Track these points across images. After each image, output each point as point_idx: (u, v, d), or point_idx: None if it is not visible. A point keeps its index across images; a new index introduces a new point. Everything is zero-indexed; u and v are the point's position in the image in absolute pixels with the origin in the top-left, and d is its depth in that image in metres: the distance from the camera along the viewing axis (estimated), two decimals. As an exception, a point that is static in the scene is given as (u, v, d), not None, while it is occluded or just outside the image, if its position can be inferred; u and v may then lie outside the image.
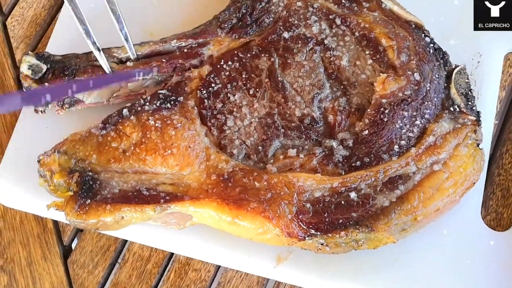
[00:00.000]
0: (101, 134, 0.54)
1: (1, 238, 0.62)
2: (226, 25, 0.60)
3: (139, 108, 0.55)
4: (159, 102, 0.55)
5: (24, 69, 0.58)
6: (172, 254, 0.61)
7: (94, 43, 0.57)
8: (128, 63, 0.59)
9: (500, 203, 0.60)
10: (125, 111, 0.55)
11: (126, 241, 0.62)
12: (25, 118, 0.62)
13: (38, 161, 0.54)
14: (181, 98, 0.55)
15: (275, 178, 0.52)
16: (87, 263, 0.61)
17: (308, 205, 0.51)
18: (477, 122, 0.56)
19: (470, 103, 0.56)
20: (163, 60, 0.58)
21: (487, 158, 0.59)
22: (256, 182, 0.52)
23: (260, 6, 0.60)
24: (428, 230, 0.55)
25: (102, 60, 0.58)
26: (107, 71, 0.58)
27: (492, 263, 0.55)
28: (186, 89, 0.56)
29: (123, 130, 0.54)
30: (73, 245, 0.63)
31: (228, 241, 0.57)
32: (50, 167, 0.53)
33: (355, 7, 0.59)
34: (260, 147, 0.55)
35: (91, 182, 0.52)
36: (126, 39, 0.58)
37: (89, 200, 0.51)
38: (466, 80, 0.57)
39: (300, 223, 0.51)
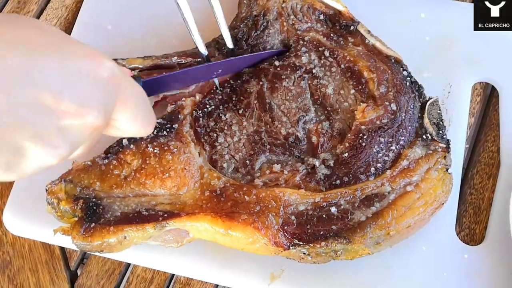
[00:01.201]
0: (103, 163, 0.57)
1: (11, 265, 0.64)
2: (223, 48, 0.64)
3: (138, 138, 0.58)
4: (156, 130, 0.58)
5: None
6: (173, 275, 0.63)
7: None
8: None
9: (472, 219, 0.63)
10: (124, 141, 0.58)
11: (130, 264, 0.64)
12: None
13: (46, 190, 0.56)
14: (176, 125, 0.59)
15: (263, 193, 0.55)
16: (93, 286, 0.63)
17: (293, 217, 0.54)
18: (447, 149, 0.59)
19: (441, 132, 0.60)
20: (164, 73, 0.61)
21: (459, 179, 0.63)
22: (246, 196, 0.55)
23: (256, 34, 0.64)
24: (408, 247, 0.59)
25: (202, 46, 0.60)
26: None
27: (467, 275, 0.58)
28: (179, 116, 0.60)
29: (124, 158, 0.57)
30: (80, 270, 0.65)
31: (225, 262, 0.60)
32: (57, 195, 0.56)
33: (342, 41, 0.64)
34: (247, 161, 0.58)
35: (94, 207, 0.55)
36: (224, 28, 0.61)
37: (93, 224, 0.54)
38: (438, 111, 0.61)
39: (285, 233, 0.54)
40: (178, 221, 0.54)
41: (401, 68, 0.63)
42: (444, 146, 0.59)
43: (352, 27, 0.64)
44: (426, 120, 0.60)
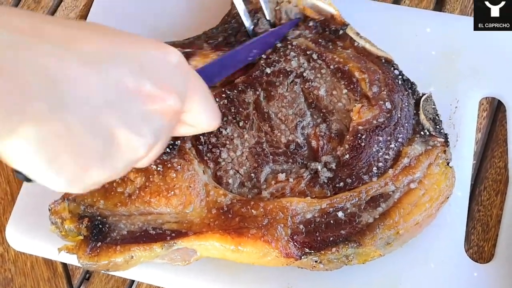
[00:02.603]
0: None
1: (13, 283, 0.63)
2: (212, 41, 0.64)
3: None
4: None
5: None
6: None
7: None
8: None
9: (481, 237, 0.61)
10: None
11: (134, 281, 0.63)
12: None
13: (49, 210, 0.55)
14: (178, 142, 0.57)
15: (271, 205, 0.54)
16: (96, 304, 0.62)
17: (301, 226, 0.53)
18: (446, 143, 0.58)
19: (438, 126, 0.59)
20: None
21: (467, 196, 0.61)
22: (253, 210, 0.54)
23: (244, 29, 0.65)
24: (417, 264, 0.58)
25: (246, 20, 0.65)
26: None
27: None
28: None
29: (127, 176, 0.56)
30: None
31: (229, 279, 0.59)
32: (61, 214, 0.55)
33: (330, 46, 0.63)
34: (252, 174, 0.57)
35: (100, 226, 0.54)
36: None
37: (99, 243, 0.53)
38: (433, 106, 0.60)
39: (295, 243, 0.53)
40: (186, 241, 0.53)
41: (392, 68, 0.62)
42: (443, 140, 0.58)
43: (341, 31, 0.64)
44: (422, 116, 0.59)
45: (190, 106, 0.44)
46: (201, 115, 0.46)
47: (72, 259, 0.55)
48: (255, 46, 0.63)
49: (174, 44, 0.63)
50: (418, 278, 0.58)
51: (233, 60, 0.61)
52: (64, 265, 0.65)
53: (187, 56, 0.62)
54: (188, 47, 0.63)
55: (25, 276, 0.64)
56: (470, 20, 0.71)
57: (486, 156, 0.66)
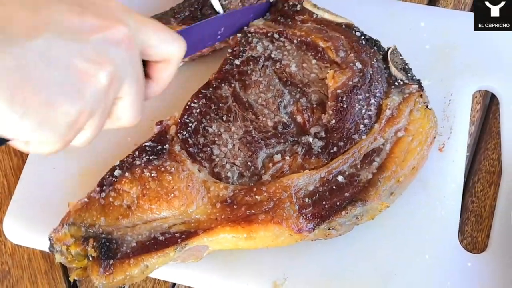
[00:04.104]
0: (101, 197, 0.54)
1: (10, 276, 0.62)
2: (179, 16, 0.65)
3: (130, 165, 0.55)
4: (147, 154, 0.56)
5: None
6: (174, 284, 0.61)
7: None
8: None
9: (474, 228, 0.61)
10: (117, 171, 0.55)
11: None
12: (33, 161, 0.64)
13: (50, 239, 0.53)
14: (167, 145, 0.56)
15: (273, 187, 0.54)
16: (93, 296, 0.60)
17: (307, 199, 0.53)
18: (420, 88, 0.59)
19: (409, 74, 0.60)
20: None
21: (461, 187, 0.61)
22: (257, 196, 0.53)
23: (209, 2, 0.65)
24: (412, 255, 0.57)
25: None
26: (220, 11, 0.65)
27: (470, 282, 0.57)
28: (168, 136, 0.57)
29: (121, 188, 0.54)
30: (79, 281, 0.62)
31: (227, 271, 0.58)
32: (64, 241, 0.53)
33: (290, 22, 0.64)
34: (249, 163, 0.57)
35: (107, 243, 0.52)
36: None
37: (111, 260, 0.51)
38: (400, 57, 0.61)
39: (305, 217, 0.53)
40: (197, 240, 0.52)
41: (353, 31, 0.63)
42: (417, 86, 0.59)
43: (298, 6, 0.65)
44: (392, 68, 0.61)
45: (147, 37, 0.43)
46: (162, 44, 0.44)
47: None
48: (222, 22, 0.62)
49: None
50: (413, 269, 0.57)
51: (201, 33, 0.60)
52: (61, 258, 0.64)
53: None
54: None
55: (22, 269, 0.63)
56: (463, 15, 0.71)
57: (480, 148, 0.66)
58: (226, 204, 0.54)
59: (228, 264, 0.58)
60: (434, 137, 0.58)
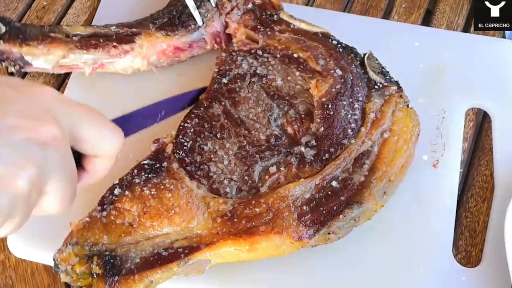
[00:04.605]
0: (103, 216, 0.55)
1: None
2: (157, 22, 0.67)
3: (129, 183, 0.56)
4: (146, 172, 0.57)
5: None
6: None
7: None
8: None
9: (468, 242, 0.62)
10: (116, 189, 0.56)
11: None
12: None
13: (55, 260, 0.53)
14: (165, 163, 0.57)
15: (271, 198, 0.55)
16: (96, 311, 0.63)
17: (305, 207, 0.55)
18: (399, 89, 0.62)
19: (387, 77, 0.63)
20: (101, 40, 0.66)
21: (455, 203, 0.62)
22: (256, 209, 0.55)
23: (187, 11, 0.67)
24: (407, 269, 0.58)
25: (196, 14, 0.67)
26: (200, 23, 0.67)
27: None
28: (165, 154, 0.58)
29: (122, 206, 0.55)
30: None
31: (224, 282, 0.59)
32: (68, 261, 0.53)
33: (269, 32, 0.66)
34: (246, 177, 0.58)
35: (112, 260, 0.52)
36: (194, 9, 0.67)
37: (116, 277, 0.51)
38: (377, 62, 0.64)
39: (304, 224, 0.54)
40: (200, 254, 0.53)
41: (330, 39, 0.65)
42: (396, 87, 0.62)
43: (275, 16, 0.67)
44: (370, 73, 0.63)
45: (82, 132, 0.40)
46: (98, 140, 0.41)
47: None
48: (163, 106, 0.59)
49: (122, 25, 0.68)
50: (407, 283, 0.58)
51: (142, 116, 0.56)
52: (64, 272, 0.65)
53: (134, 35, 0.66)
54: (135, 27, 0.66)
55: (25, 283, 0.63)
56: (456, 35, 0.73)
57: (473, 164, 0.67)
58: (226, 218, 0.55)
59: (228, 276, 0.59)
60: (418, 135, 0.60)
